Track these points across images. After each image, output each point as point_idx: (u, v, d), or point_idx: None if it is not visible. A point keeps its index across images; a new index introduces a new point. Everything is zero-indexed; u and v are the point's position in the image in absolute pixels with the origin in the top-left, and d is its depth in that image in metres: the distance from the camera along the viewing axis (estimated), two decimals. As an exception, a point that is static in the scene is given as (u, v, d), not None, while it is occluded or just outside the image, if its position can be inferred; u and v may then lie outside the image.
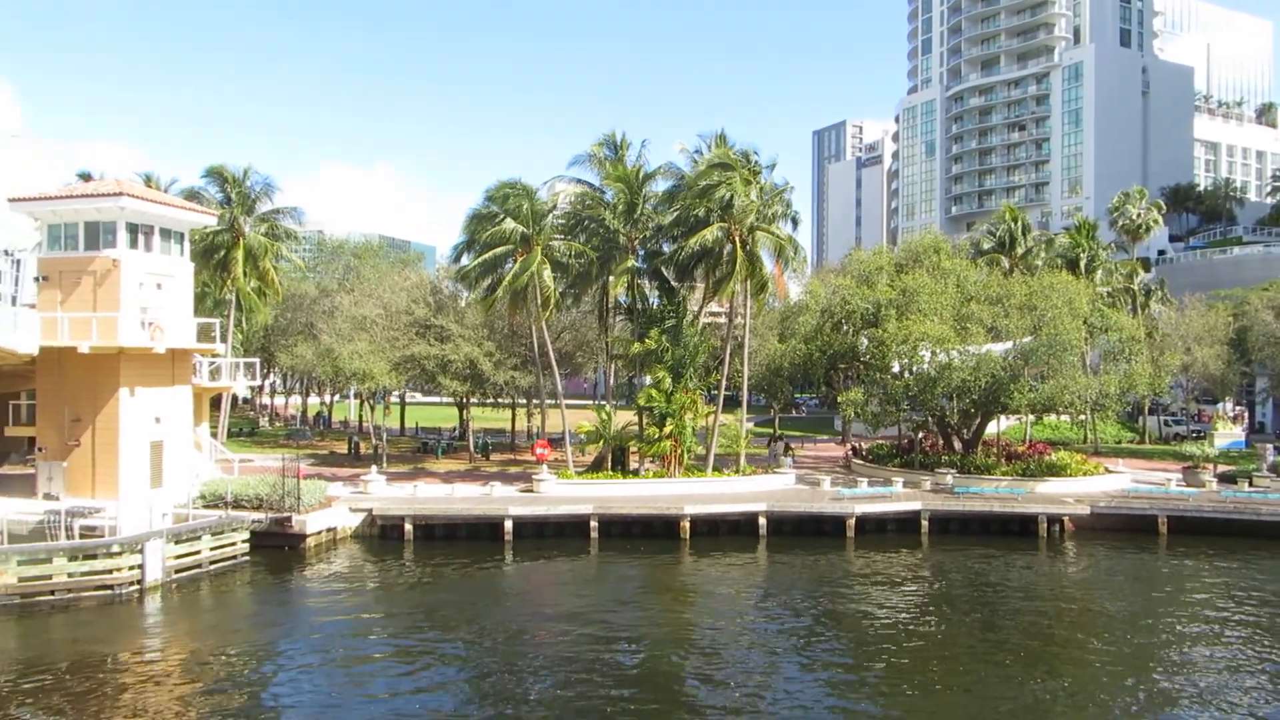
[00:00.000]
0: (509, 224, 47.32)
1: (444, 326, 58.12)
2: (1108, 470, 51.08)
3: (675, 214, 47.31)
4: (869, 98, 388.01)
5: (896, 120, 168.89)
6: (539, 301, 48.40)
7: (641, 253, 51.12)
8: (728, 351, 50.11)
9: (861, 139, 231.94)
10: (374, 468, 47.72)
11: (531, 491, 44.85)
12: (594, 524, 41.12)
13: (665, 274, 51.95)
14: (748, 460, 50.91)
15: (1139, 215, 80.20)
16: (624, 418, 52.73)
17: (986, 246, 70.99)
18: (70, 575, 30.94)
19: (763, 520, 42.08)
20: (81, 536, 33.08)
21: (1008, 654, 26.66)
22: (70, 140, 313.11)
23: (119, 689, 23.86)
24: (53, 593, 30.65)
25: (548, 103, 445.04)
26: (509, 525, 40.57)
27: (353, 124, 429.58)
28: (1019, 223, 69.84)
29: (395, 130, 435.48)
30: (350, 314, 60.25)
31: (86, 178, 52.16)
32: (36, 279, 41.75)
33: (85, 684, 23.93)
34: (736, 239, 46.03)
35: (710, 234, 45.17)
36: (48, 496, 38.64)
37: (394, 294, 62.71)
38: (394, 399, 76.23)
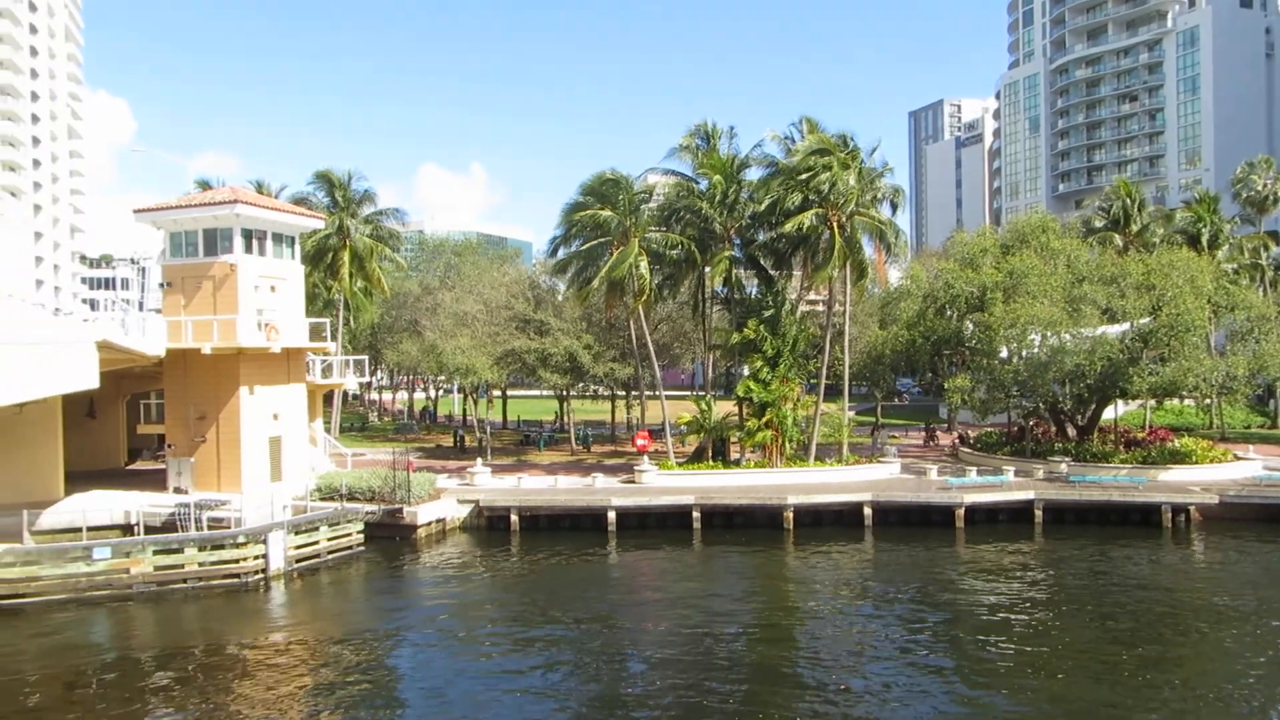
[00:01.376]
0: (605, 215, 47.63)
1: (543, 320, 58.95)
2: (1236, 457, 48.44)
3: (771, 201, 46.82)
4: (966, 75, 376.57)
5: (997, 97, 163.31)
6: (636, 293, 48.60)
7: (738, 242, 50.80)
8: (827, 339, 49.40)
9: (960, 118, 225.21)
10: (479, 460, 48.73)
11: (633, 482, 45.12)
12: (696, 514, 41.14)
13: (762, 263, 51.54)
14: (850, 449, 50.13)
15: (1265, 186, 75.55)
16: (723, 408, 52.53)
17: (1098, 224, 68.11)
18: (200, 565, 32.57)
19: (868, 510, 41.39)
20: (209, 528, 34.81)
21: (1127, 649, 25.58)
22: (187, 152, 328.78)
23: (249, 671, 25.03)
24: (185, 581, 32.32)
25: (636, 99, 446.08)
26: (612, 516, 40.93)
27: (447, 127, 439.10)
28: (1133, 198, 66.71)
29: (487, 131, 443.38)
30: (452, 310, 61.63)
31: (205, 186, 54.59)
32: (161, 285, 43.95)
33: (218, 666, 25.23)
34: (835, 225, 45.30)
35: (807, 219, 44.54)
36: (178, 490, 40.72)
37: (493, 290, 63.85)
38: (496, 392, 77.67)
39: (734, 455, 49.79)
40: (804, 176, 45.00)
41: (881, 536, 40.00)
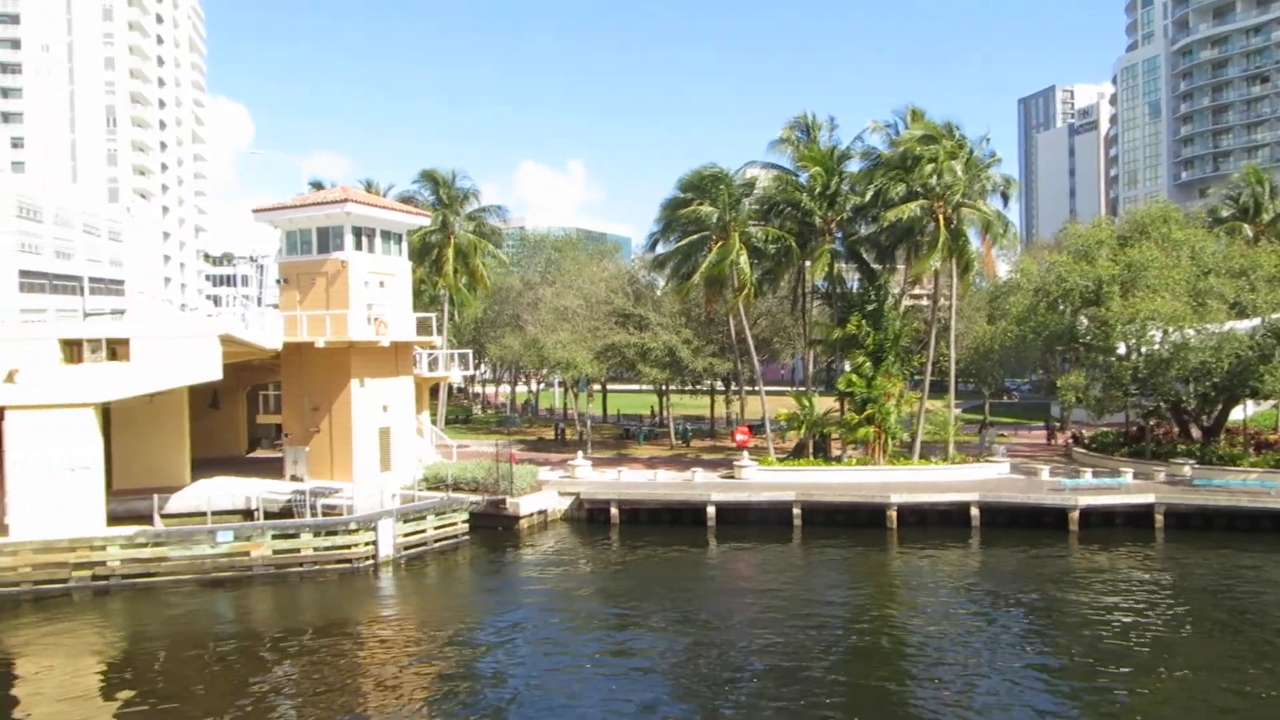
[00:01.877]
0: (705, 210, 47.50)
1: (642, 315, 59.23)
2: (1380, 460, 45.22)
3: (873, 193, 45.88)
4: (1080, 60, 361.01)
5: (1114, 82, 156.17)
6: (736, 288, 48.34)
7: (839, 235, 50.00)
8: (933, 335, 48.18)
9: (1073, 104, 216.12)
10: (580, 453, 49.28)
11: (733, 478, 44.94)
12: (797, 511, 40.72)
13: (864, 256, 50.60)
14: (956, 448, 48.80)
15: None
16: (824, 404, 51.85)
17: (1225, 214, 64.41)
18: (315, 549, 33.88)
19: (975, 511, 40.24)
20: (323, 514, 36.17)
21: (1254, 664, 24.18)
22: (301, 154, 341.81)
23: (359, 652, 25.94)
24: (301, 564, 33.68)
25: (736, 94, 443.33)
26: (711, 511, 40.87)
27: (545, 125, 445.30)
28: (1264, 185, 62.87)
29: (585, 129, 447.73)
30: (553, 305, 62.48)
31: (318, 186, 56.65)
32: (278, 281, 45.87)
33: (331, 646, 26.22)
34: (940, 216, 44.13)
35: (910, 210, 43.47)
36: (294, 478, 42.45)
37: (593, 285, 64.45)
38: (596, 386, 78.41)
39: (835, 452, 49.09)
40: (908, 167, 43.94)
41: (989, 538, 38.83)
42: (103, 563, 32.05)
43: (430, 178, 60.89)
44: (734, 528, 40.59)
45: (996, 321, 56.77)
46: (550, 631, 27.67)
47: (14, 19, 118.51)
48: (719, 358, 58.40)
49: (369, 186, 62.26)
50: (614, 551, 37.99)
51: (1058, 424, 62.84)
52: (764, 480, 44.14)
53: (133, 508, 36.01)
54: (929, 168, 43.11)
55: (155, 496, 36.61)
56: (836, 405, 50.42)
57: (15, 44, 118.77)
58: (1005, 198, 47.94)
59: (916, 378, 52.01)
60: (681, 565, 35.98)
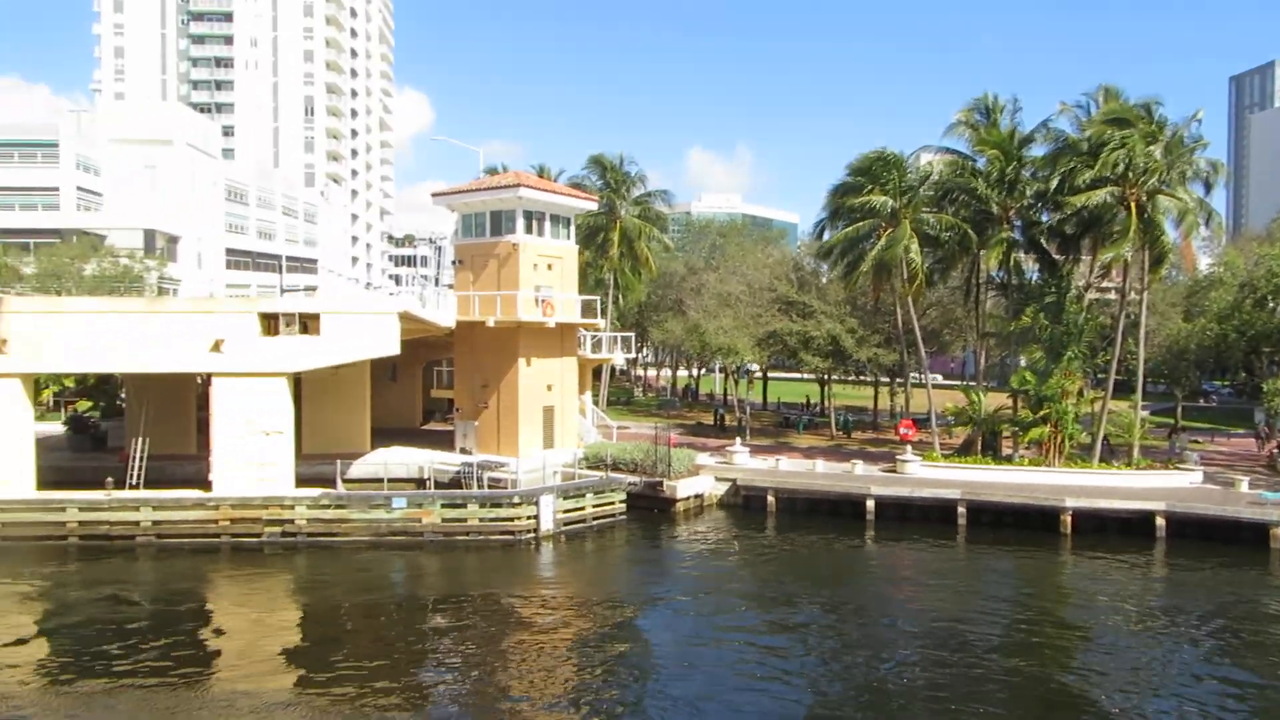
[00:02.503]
0: (875, 197, 46.21)
1: (806, 303, 58.35)
2: None
3: (1058, 179, 43.28)
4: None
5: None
6: (905, 277, 46.85)
7: (1018, 223, 47.52)
8: (1119, 331, 45.08)
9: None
10: (738, 439, 49.18)
11: (895, 472, 43.73)
12: (961, 510, 39.19)
13: (1045, 246, 47.89)
14: (1141, 453, 45.61)
15: None
16: (995, 400, 49.59)
17: None
18: (480, 520, 35.38)
19: (1161, 521, 37.46)
20: (489, 487, 37.72)
21: None
22: (478, 140, 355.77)
23: (518, 620, 26.95)
24: (467, 534, 35.26)
25: (911, 76, 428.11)
26: (871, 504, 39.93)
27: (713, 111, 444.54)
28: None
29: (754, 114, 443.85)
30: (716, 291, 62.47)
31: (493, 171, 58.79)
32: (453, 262, 47.96)
33: (492, 612, 27.41)
34: (1132, 204, 41.18)
35: (1098, 197, 40.70)
36: (463, 451, 44.42)
37: (757, 271, 64.01)
38: (757, 373, 78.00)
39: (1005, 451, 46.88)
40: (1097, 151, 41.14)
41: (1176, 551, 36.09)
42: (291, 521, 34.64)
43: (598, 163, 62.10)
44: (894, 523, 39.52)
45: (1194, 319, 52.58)
46: (700, 615, 27.86)
47: (227, 17, 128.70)
48: (884, 348, 56.85)
49: (541, 172, 64.08)
50: (769, 539, 37.78)
51: (1265, 432, 57.71)
52: (928, 476, 42.72)
53: (319, 471, 38.64)
54: (1117, 151, 40.24)
55: (338, 462, 39.16)
56: (1009, 402, 48.09)
57: (228, 40, 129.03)
58: (1208, 185, 44.15)
59: (1099, 376, 48.90)
60: (837, 557, 35.38)
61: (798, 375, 76.50)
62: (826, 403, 67.76)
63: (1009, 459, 45.51)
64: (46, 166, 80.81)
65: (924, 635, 25.94)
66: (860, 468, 44.18)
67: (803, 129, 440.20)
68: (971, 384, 50.96)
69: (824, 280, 63.09)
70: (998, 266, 48.08)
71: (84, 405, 55.40)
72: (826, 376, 64.85)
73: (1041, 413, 43.14)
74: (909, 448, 45.44)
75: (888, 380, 67.73)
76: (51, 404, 57.29)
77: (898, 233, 45.48)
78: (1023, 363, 47.53)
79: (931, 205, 48.49)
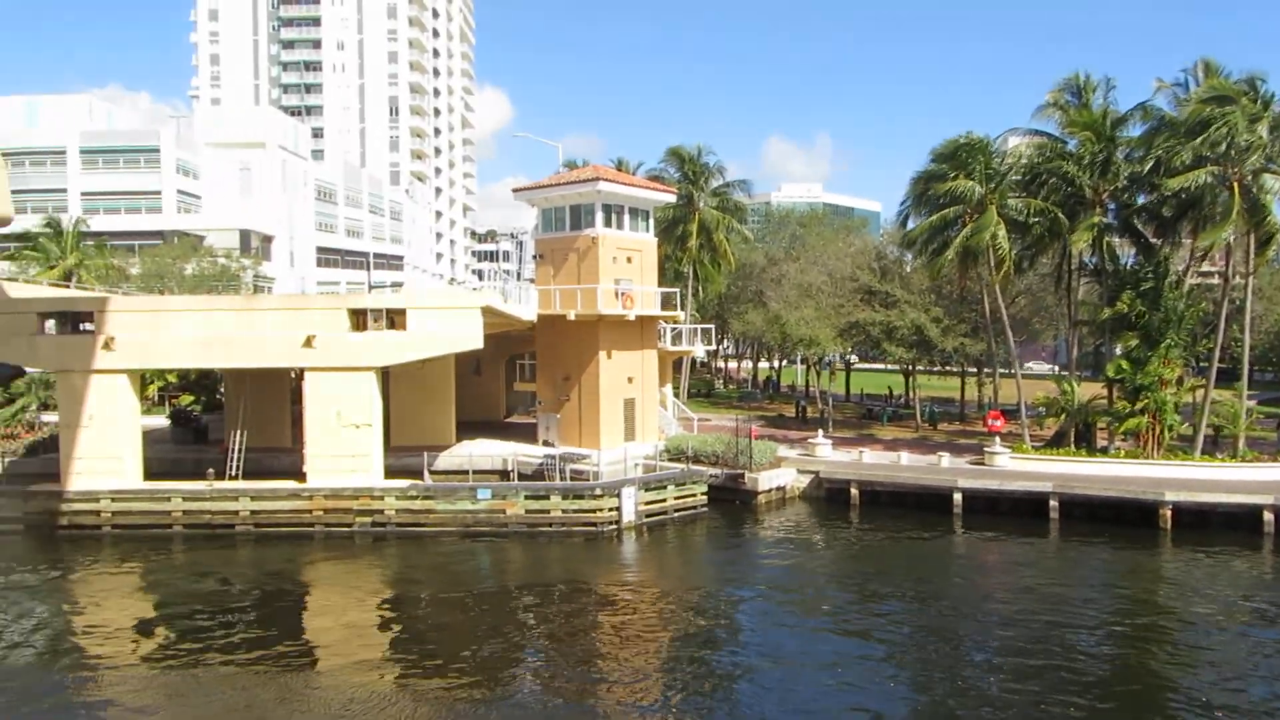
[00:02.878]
0: (960, 183, 45.11)
1: (889, 292, 57.36)
2: None
3: (1154, 160, 41.56)
4: None
5: None
6: (992, 264, 45.67)
7: (1112, 207, 45.85)
8: (1222, 317, 43.11)
9: None
10: (820, 431, 48.69)
11: (983, 464, 42.72)
12: (1054, 503, 38.07)
13: (1140, 229, 46.12)
14: (1248, 445, 43.59)
15: None
16: (1089, 390, 48.01)
17: None
18: (563, 511, 35.81)
19: (1268, 516, 35.76)
20: (571, 479, 38.14)
21: None
22: (556, 135, 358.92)
23: (601, 610, 27.22)
24: (550, 525, 35.73)
25: (996, 61, 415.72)
26: (958, 498, 39.12)
27: (793, 99, 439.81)
28: None
29: (833, 102, 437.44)
30: (796, 281, 61.86)
31: (572, 166, 59.26)
32: (534, 257, 48.50)
33: (575, 603, 27.76)
34: (1235, 184, 39.33)
35: (1197, 178, 38.96)
36: (546, 443, 45.00)
37: (839, 260, 63.17)
38: (839, 364, 77.06)
39: (1100, 443, 45.34)
40: (1196, 130, 39.38)
41: (1286, 546, 34.45)
42: (381, 511, 35.63)
43: (676, 155, 62.11)
44: (982, 516, 38.61)
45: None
46: (783, 607, 27.71)
47: (315, 21, 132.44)
48: (971, 338, 55.53)
49: (619, 165, 64.38)
50: (852, 532, 37.34)
51: None
52: (1018, 469, 41.61)
53: (406, 463, 39.62)
54: (1219, 129, 38.43)
55: (425, 454, 40.08)
56: (1103, 392, 46.52)
57: (316, 44, 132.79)
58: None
59: (1201, 364, 46.90)
60: (923, 551, 34.76)
61: (881, 366, 75.35)
62: (911, 394, 66.54)
63: (1104, 451, 44.02)
64: (149, 171, 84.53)
65: (1015, 632, 25.32)
66: (947, 460, 43.30)
67: (885, 116, 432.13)
68: (1064, 373, 49.35)
69: (908, 269, 61.92)
70: (1090, 251, 46.49)
71: (186, 399, 57.90)
72: (911, 367, 63.68)
73: (1139, 403, 41.62)
74: (997, 439, 44.34)
75: (975, 371, 66.14)
76: (156, 399, 59.94)
77: (984, 219, 44.33)
78: (1118, 351, 45.85)
79: (1020, 190, 47.14)
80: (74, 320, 36.91)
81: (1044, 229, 45.71)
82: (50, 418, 46.03)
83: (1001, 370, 58.34)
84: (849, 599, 28.60)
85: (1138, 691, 21.45)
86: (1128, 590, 30.43)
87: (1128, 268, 46.26)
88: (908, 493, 40.52)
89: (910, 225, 51.23)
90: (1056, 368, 79.79)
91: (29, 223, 58.96)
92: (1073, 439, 45.41)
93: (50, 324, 36.92)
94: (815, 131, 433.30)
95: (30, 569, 31.54)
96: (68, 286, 47.86)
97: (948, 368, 64.80)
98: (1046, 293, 57.76)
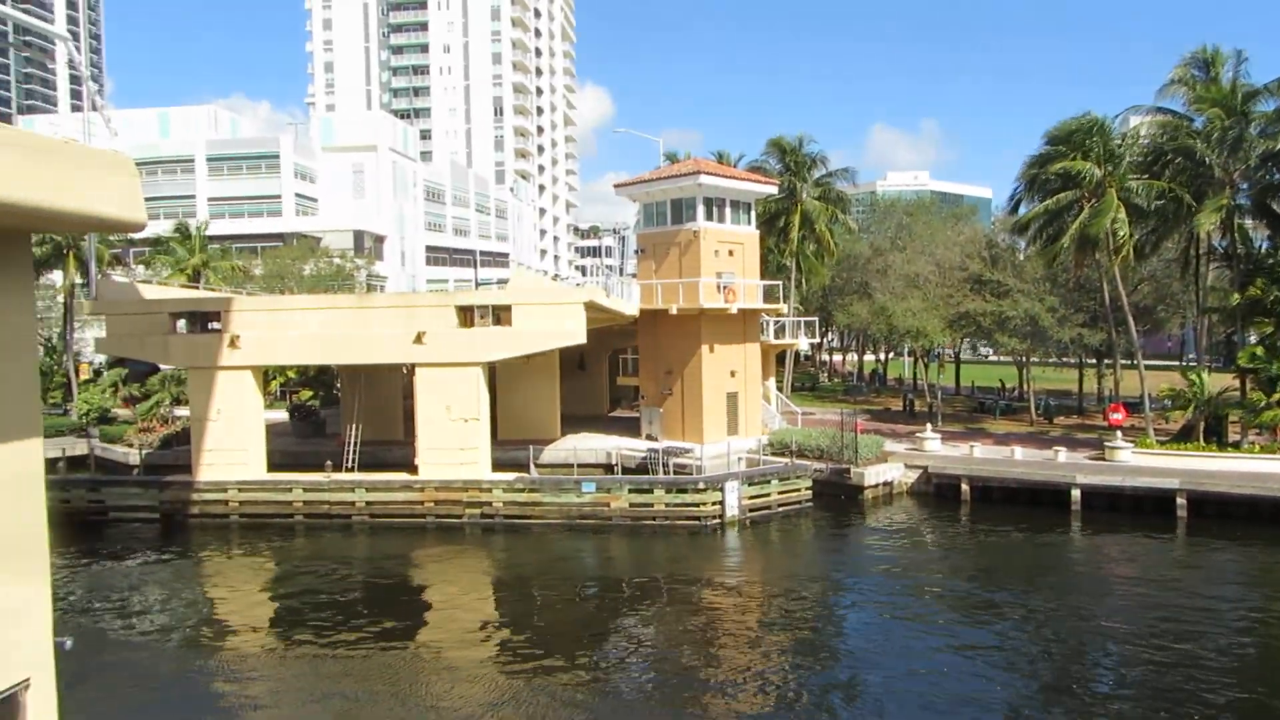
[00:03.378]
0: (1075, 165, 43.26)
1: (1000, 281, 55.47)
2: None
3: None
4: None
5: None
6: (1111, 249, 43.65)
7: (1243, 187, 43.24)
8: (1370, 301, 40.18)
9: None
10: (929, 425, 47.52)
11: (1103, 459, 40.95)
12: (1181, 500, 36.16)
13: (1276, 210, 43.33)
14: (1399, 437, 40.51)
15: None
16: (1219, 381, 45.44)
17: None
18: (666, 505, 35.92)
19: None
20: (674, 473, 38.23)
21: None
22: (655, 129, 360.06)
23: (705, 604, 27.22)
24: (654, 519, 35.88)
25: (1111, 39, 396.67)
26: (1076, 494, 37.57)
27: (896, 86, 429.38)
28: None
29: (938, 86, 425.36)
30: (903, 272, 60.45)
31: (673, 160, 59.30)
32: (636, 251, 48.74)
33: (680, 596, 27.84)
34: (1386, 160, 36.58)
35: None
36: (649, 437, 45.21)
37: (947, 249, 61.44)
38: (948, 356, 75.03)
39: (1232, 437, 42.87)
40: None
41: None
42: (489, 503, 36.43)
43: (778, 146, 61.46)
44: (1102, 514, 37.01)
45: None
46: (890, 604, 27.16)
47: (423, 27, 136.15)
48: (1089, 328, 53.24)
49: (720, 158, 64.08)
50: (963, 530, 36.32)
51: None
52: (1141, 464, 39.70)
53: (513, 456, 40.38)
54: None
55: (531, 448, 40.79)
56: (1235, 383, 43.97)
57: (424, 49, 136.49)
58: None
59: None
60: (1039, 550, 33.54)
61: (994, 358, 73.02)
62: (1025, 386, 64.23)
63: (1236, 446, 41.60)
64: (269, 177, 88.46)
65: (1137, 634, 24.21)
66: (1064, 455, 41.66)
67: (994, 99, 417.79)
68: (1191, 364, 46.85)
69: (1021, 256, 59.76)
70: (1220, 234, 43.97)
71: (305, 395, 60.43)
72: (1025, 359, 61.48)
73: (1275, 394, 39.17)
74: (1119, 434, 42.42)
75: (1094, 362, 63.40)
76: (278, 394, 62.71)
77: (1102, 203, 42.42)
78: (1252, 339, 43.24)
79: (1141, 171, 44.92)
80: (203, 320, 38.92)
81: (1168, 211, 43.44)
82: (182, 412, 48.68)
83: (1123, 361, 55.79)
84: (961, 599, 27.82)
85: (1268, 709, 20.24)
86: (1266, 594, 28.73)
87: (1261, 250, 43.57)
88: (1022, 489, 39.14)
89: (1023, 210, 49.45)
90: (1185, 359, 75.77)
91: (160, 228, 62.38)
92: (1201, 433, 43.05)
93: (181, 323, 39.04)
94: (921, 118, 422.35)
95: (164, 556, 33.51)
96: (196, 288, 50.54)
97: (1064, 359, 62.30)
98: (1172, 279, 54.93)
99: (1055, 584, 29.04)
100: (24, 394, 12.65)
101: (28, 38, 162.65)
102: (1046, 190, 45.75)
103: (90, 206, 11.73)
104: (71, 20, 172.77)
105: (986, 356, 69.11)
